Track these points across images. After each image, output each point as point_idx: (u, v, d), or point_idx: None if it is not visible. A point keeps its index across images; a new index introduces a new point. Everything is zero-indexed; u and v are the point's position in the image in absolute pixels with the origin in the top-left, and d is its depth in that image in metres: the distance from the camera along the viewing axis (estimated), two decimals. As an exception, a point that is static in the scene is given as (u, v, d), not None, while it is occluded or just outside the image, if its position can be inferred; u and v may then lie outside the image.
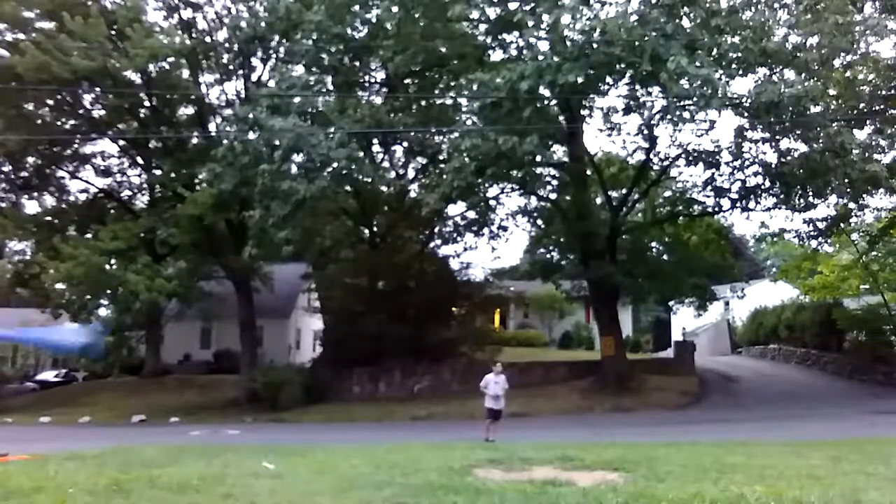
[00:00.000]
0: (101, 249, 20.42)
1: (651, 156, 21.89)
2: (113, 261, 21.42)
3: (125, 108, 23.23)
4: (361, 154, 19.08)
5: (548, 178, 23.16)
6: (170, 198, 24.10)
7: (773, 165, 19.22)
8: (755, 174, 20.07)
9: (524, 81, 14.89)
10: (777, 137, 18.52)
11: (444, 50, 19.85)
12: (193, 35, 23.72)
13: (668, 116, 16.98)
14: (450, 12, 16.72)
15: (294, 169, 17.62)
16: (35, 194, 26.21)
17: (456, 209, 24.69)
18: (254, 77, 23.99)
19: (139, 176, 27.04)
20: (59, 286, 22.37)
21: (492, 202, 24.69)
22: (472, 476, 4.46)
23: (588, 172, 22.15)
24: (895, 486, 3.99)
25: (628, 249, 23.63)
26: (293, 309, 32.49)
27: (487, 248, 60.41)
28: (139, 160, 25.98)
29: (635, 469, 4.68)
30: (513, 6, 17.56)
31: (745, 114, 18.04)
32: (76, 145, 25.25)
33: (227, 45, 23.50)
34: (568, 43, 15.61)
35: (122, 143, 25.26)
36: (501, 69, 16.21)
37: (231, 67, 24.09)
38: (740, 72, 17.81)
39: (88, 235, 22.69)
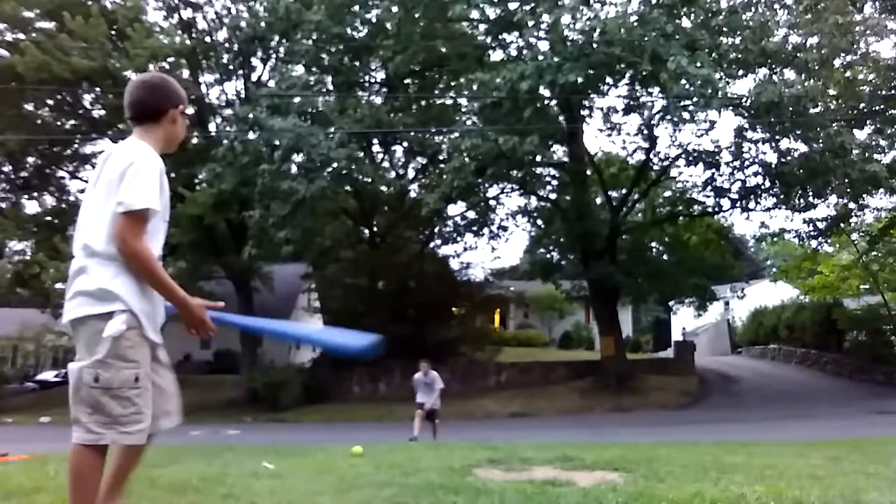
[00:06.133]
0: (101, 249, 20.40)
1: (651, 156, 21.90)
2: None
3: (125, 107, 23.21)
4: (361, 154, 19.09)
5: (548, 178, 23.18)
6: (170, 198, 24.06)
7: (773, 165, 19.22)
8: (755, 174, 20.07)
9: (524, 81, 14.90)
10: (777, 137, 18.52)
11: (444, 50, 19.86)
12: (193, 35, 23.70)
13: (668, 116, 17.01)
14: (450, 12, 16.75)
15: (294, 169, 17.63)
16: (35, 194, 26.19)
17: (456, 209, 24.70)
18: (254, 77, 23.98)
19: (139, 176, 27.03)
20: (60, 286, 22.36)
21: (492, 202, 24.70)
22: (472, 476, 4.46)
23: (588, 172, 22.15)
24: (895, 486, 3.98)
25: (628, 249, 23.63)
26: (293, 309, 32.46)
27: (487, 248, 60.48)
28: (139, 160, 25.96)
29: (635, 469, 4.67)
30: (513, 6, 17.58)
31: (745, 114, 18.05)
32: (76, 145, 25.23)
33: (227, 45, 23.48)
34: (568, 43, 15.63)
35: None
36: (501, 69, 16.23)
37: (231, 67, 24.07)
38: (740, 72, 17.84)
39: (88, 235, 22.69)
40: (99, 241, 2.28)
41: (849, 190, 17.54)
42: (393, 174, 25.63)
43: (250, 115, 17.86)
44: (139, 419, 2.22)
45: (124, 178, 2.24)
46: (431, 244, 27.75)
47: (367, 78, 22.69)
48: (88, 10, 20.51)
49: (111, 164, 2.32)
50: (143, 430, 2.24)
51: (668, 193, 24.28)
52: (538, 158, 19.08)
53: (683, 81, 14.39)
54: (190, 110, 2.46)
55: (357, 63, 20.74)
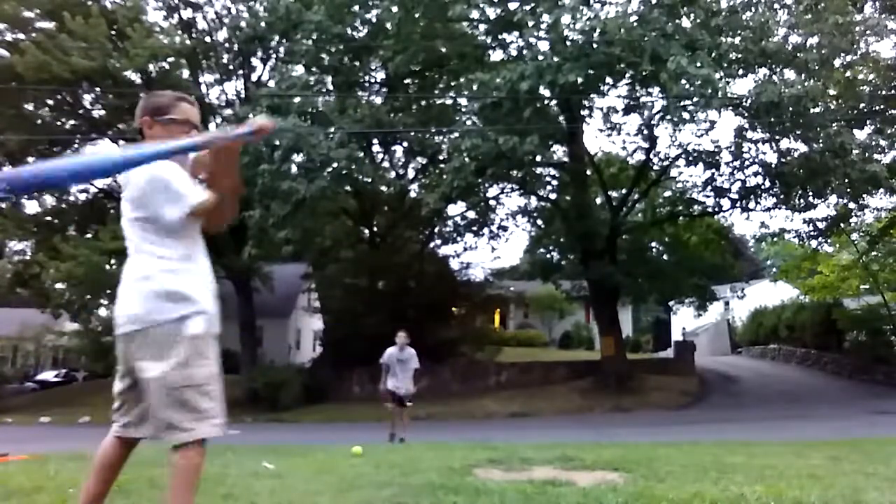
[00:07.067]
0: (101, 249, 20.41)
1: (651, 156, 21.88)
2: (113, 261, 21.42)
3: (125, 108, 23.23)
4: (361, 154, 19.08)
5: (548, 178, 23.16)
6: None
7: (773, 165, 19.21)
8: (755, 174, 20.06)
9: (524, 81, 14.88)
10: (777, 137, 18.51)
11: (444, 50, 19.85)
12: (193, 35, 23.73)
13: (668, 116, 16.98)
14: (450, 12, 16.74)
15: (294, 169, 17.62)
16: (35, 194, 26.20)
17: (456, 209, 24.71)
18: (254, 77, 24.00)
19: (139, 176, 27.08)
20: (59, 286, 22.37)
21: (492, 202, 24.70)
22: (472, 476, 4.46)
23: (588, 172, 22.14)
24: (895, 486, 3.98)
25: (628, 249, 23.62)
26: (293, 309, 32.48)
27: (487, 248, 60.45)
28: (139, 160, 26.01)
29: (635, 469, 4.67)
30: (513, 6, 17.56)
31: (745, 114, 18.03)
32: (76, 145, 25.24)
33: (227, 45, 23.51)
34: (568, 43, 15.61)
35: (122, 143, 25.27)
36: (501, 69, 16.21)
37: (231, 67, 24.10)
38: (740, 72, 17.82)
39: (88, 235, 22.67)
40: (158, 247, 2.36)
41: (849, 190, 17.52)
42: (393, 174, 25.64)
43: (250, 115, 17.80)
44: (219, 412, 2.36)
45: (161, 187, 2.32)
46: (431, 244, 27.75)
47: (367, 78, 22.67)
48: (88, 10, 20.52)
49: (136, 177, 2.37)
50: (223, 423, 2.37)
51: (668, 193, 24.26)
52: (538, 158, 19.07)
53: (683, 81, 14.37)
54: (171, 116, 2.49)
55: (357, 63, 20.72)
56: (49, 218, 25.52)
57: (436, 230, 26.70)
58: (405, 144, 23.77)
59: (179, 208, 2.30)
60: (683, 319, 37.21)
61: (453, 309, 26.55)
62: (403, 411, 9.82)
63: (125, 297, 2.36)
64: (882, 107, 18.27)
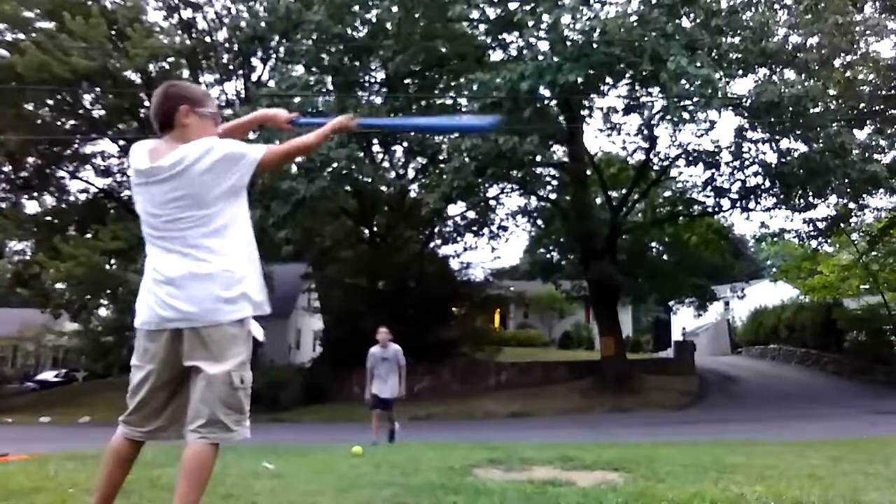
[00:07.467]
0: (102, 249, 20.41)
1: (651, 156, 21.89)
2: (113, 261, 21.43)
3: (125, 108, 23.25)
4: (361, 154, 19.08)
5: (548, 178, 23.17)
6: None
7: (773, 165, 19.22)
8: (755, 174, 20.06)
9: (524, 81, 14.89)
10: (777, 137, 18.51)
11: (444, 50, 19.86)
12: (193, 35, 23.74)
13: (668, 116, 16.98)
14: (450, 12, 16.73)
15: (294, 169, 17.64)
16: (35, 194, 26.22)
17: (456, 209, 24.71)
18: (254, 77, 23.99)
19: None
20: (59, 286, 22.37)
21: (492, 202, 24.71)
22: (472, 476, 4.46)
23: (588, 172, 22.14)
24: (895, 486, 3.98)
25: (628, 249, 23.63)
26: (293, 309, 32.46)
27: (487, 248, 60.36)
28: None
29: (635, 469, 4.67)
30: (513, 6, 17.58)
31: (745, 114, 18.04)
32: (76, 145, 25.25)
33: (227, 45, 23.51)
34: (568, 43, 15.61)
35: (122, 143, 25.29)
36: (501, 69, 16.20)
37: (231, 67, 24.08)
38: (740, 72, 17.83)
39: (88, 235, 22.67)
40: (216, 243, 2.33)
41: (849, 190, 17.54)
42: (393, 174, 25.63)
43: (250, 116, 17.84)
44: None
45: (222, 157, 2.35)
46: (431, 244, 27.75)
47: (367, 78, 22.66)
48: (88, 10, 20.51)
49: (187, 167, 2.33)
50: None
51: (668, 193, 24.26)
52: (538, 158, 19.08)
53: (683, 81, 14.37)
54: (206, 109, 2.50)
55: (357, 63, 20.71)
56: (49, 218, 25.52)
57: (436, 230, 26.71)
58: (405, 144, 23.78)
59: (248, 165, 2.38)
60: (683, 319, 37.22)
61: (453, 309, 26.55)
62: (389, 417, 9.32)
63: (175, 293, 2.29)
64: (882, 107, 18.26)
